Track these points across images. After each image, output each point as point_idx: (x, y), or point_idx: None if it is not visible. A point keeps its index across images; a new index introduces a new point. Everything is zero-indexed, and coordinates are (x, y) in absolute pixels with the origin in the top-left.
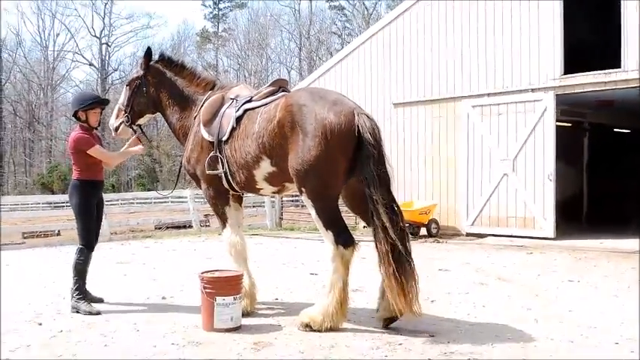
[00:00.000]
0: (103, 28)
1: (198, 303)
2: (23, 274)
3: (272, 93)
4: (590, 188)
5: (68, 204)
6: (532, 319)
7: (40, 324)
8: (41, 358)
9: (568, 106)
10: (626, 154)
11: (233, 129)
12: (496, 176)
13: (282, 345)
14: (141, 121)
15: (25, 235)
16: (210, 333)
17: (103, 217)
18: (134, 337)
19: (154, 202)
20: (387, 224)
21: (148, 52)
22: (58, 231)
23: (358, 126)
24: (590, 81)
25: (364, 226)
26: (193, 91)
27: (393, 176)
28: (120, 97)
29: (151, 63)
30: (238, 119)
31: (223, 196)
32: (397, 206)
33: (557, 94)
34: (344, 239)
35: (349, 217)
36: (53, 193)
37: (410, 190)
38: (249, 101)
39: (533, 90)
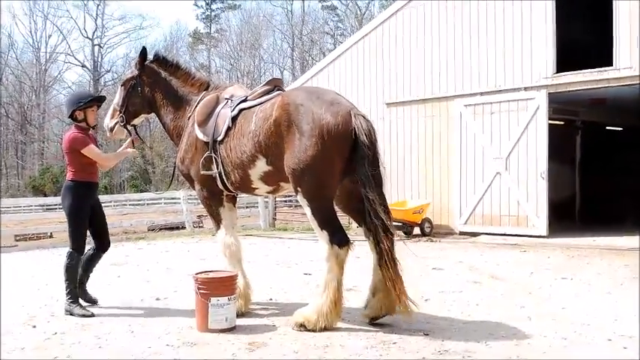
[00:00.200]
0: (96, 30)
1: (193, 304)
2: (16, 277)
3: (267, 92)
4: (583, 186)
5: (61, 206)
6: (525, 316)
7: (34, 326)
8: None
9: (560, 104)
10: (619, 151)
11: (229, 129)
12: (489, 175)
13: (276, 345)
14: (136, 122)
15: (18, 238)
16: (204, 334)
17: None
18: (128, 339)
19: (147, 204)
20: (388, 223)
21: (143, 52)
22: (51, 233)
23: (355, 127)
24: (583, 79)
25: (357, 226)
26: (188, 91)
27: (386, 176)
28: (115, 98)
29: (146, 63)
30: (234, 119)
31: (217, 197)
32: (387, 207)
33: (549, 93)
34: (339, 239)
35: (342, 217)
36: (45, 195)
37: (403, 190)
38: (244, 101)
39: (525, 89)
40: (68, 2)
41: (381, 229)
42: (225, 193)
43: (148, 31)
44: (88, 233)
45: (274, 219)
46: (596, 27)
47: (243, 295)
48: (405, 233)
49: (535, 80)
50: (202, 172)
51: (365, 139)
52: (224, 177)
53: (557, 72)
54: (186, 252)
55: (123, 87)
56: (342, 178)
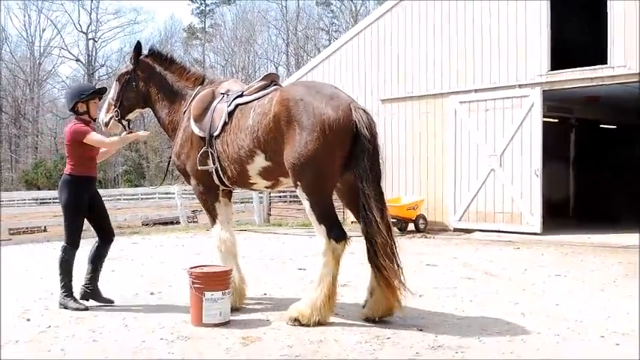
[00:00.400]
0: (90, 24)
1: (187, 298)
2: (10, 271)
3: (263, 87)
4: (577, 184)
5: (55, 200)
6: (519, 313)
7: (29, 320)
8: (30, 354)
9: (555, 101)
10: (613, 149)
11: (225, 124)
12: (483, 172)
13: (270, 340)
14: (130, 116)
15: (11, 232)
16: (198, 328)
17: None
18: (123, 333)
19: (141, 199)
20: (379, 218)
21: (138, 47)
22: (45, 227)
23: (355, 120)
24: (577, 77)
25: (352, 222)
26: (183, 85)
27: (383, 171)
28: (110, 92)
29: (141, 57)
30: (230, 114)
31: (213, 192)
32: (384, 202)
33: (544, 90)
34: (336, 233)
35: (337, 212)
36: (39, 189)
37: (398, 186)
38: (241, 96)
39: (520, 86)
40: None
41: (375, 224)
42: (222, 188)
43: (143, 25)
44: (91, 227)
45: (269, 214)
46: (590, 25)
47: (237, 290)
48: (400, 229)
49: (530, 78)
50: (199, 168)
51: (366, 132)
52: (220, 172)
53: (551, 69)
54: (181, 247)
55: (118, 81)
56: (343, 173)
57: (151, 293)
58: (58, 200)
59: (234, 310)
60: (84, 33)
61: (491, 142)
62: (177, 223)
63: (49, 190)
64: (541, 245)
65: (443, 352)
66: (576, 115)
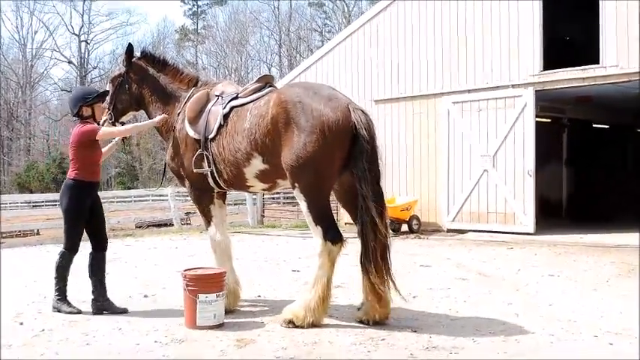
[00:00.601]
0: (82, 26)
1: (181, 301)
2: (3, 274)
3: (259, 89)
4: (570, 184)
5: (47, 203)
6: (513, 313)
7: (22, 323)
8: (23, 357)
9: (548, 102)
10: (605, 149)
11: (220, 126)
12: (476, 172)
13: (264, 342)
14: (124, 119)
15: (4, 235)
16: (192, 330)
17: None
18: (116, 336)
19: (134, 201)
20: (377, 219)
21: (130, 49)
22: (37, 230)
23: (354, 121)
24: (569, 77)
25: (346, 223)
26: (176, 87)
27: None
28: None
29: (133, 60)
30: (226, 116)
31: (208, 194)
32: (384, 203)
33: (536, 90)
34: (332, 235)
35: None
36: (31, 192)
37: (391, 187)
38: (236, 98)
39: (513, 86)
40: None
41: (370, 226)
42: (216, 190)
43: (135, 27)
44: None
45: (262, 216)
46: (583, 25)
47: (232, 292)
48: (393, 230)
49: (522, 78)
50: (195, 171)
51: (364, 133)
52: (216, 175)
53: (544, 69)
54: (174, 249)
55: (111, 84)
56: (341, 174)
57: (145, 296)
58: (58, 204)
59: (229, 312)
60: (76, 35)
61: (484, 142)
62: (171, 225)
63: (42, 193)
64: (534, 245)
65: (437, 353)
66: (569, 115)
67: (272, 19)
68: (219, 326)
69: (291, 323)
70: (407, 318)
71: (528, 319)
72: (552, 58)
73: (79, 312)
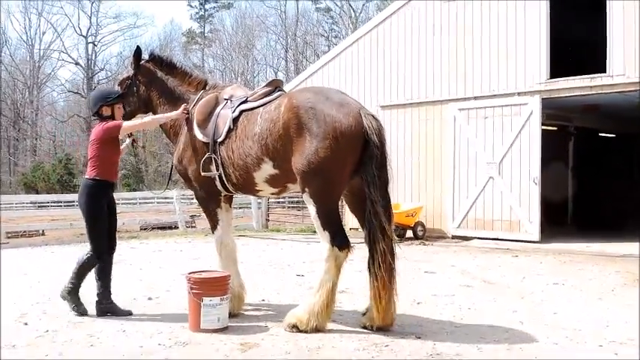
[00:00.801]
0: (90, 27)
1: (185, 304)
2: (8, 274)
3: (268, 93)
4: (576, 192)
5: (52, 204)
6: (517, 321)
7: (26, 324)
8: (27, 358)
9: (554, 110)
10: (612, 158)
11: (230, 130)
12: (482, 179)
13: (268, 346)
14: None
15: (9, 235)
16: (196, 333)
17: None
18: (121, 338)
19: (140, 203)
20: (386, 225)
21: (138, 52)
22: (43, 231)
23: (366, 127)
24: (576, 85)
25: (351, 228)
26: (185, 90)
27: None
28: None
29: (142, 62)
30: (235, 120)
31: (215, 198)
32: (391, 209)
33: (543, 98)
34: (339, 241)
35: None
36: (37, 192)
37: (396, 192)
38: (245, 102)
39: (519, 94)
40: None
41: (378, 231)
42: (224, 193)
43: (143, 30)
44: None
45: (267, 220)
46: (590, 33)
47: (236, 296)
48: (398, 236)
49: (529, 85)
50: (203, 174)
51: (375, 138)
52: (224, 178)
53: (550, 78)
54: (179, 252)
55: (119, 87)
56: (351, 179)
57: (149, 298)
58: (76, 204)
59: (233, 315)
60: (84, 36)
61: (490, 149)
62: (176, 227)
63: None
64: (539, 253)
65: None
66: (575, 123)
67: (278, 24)
68: (223, 330)
69: (295, 328)
70: (411, 324)
71: (533, 328)
72: (559, 67)
73: (85, 312)
